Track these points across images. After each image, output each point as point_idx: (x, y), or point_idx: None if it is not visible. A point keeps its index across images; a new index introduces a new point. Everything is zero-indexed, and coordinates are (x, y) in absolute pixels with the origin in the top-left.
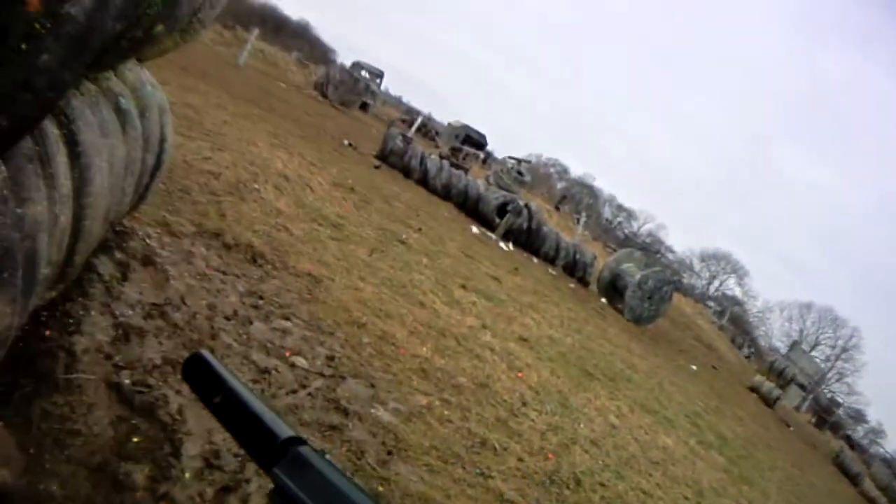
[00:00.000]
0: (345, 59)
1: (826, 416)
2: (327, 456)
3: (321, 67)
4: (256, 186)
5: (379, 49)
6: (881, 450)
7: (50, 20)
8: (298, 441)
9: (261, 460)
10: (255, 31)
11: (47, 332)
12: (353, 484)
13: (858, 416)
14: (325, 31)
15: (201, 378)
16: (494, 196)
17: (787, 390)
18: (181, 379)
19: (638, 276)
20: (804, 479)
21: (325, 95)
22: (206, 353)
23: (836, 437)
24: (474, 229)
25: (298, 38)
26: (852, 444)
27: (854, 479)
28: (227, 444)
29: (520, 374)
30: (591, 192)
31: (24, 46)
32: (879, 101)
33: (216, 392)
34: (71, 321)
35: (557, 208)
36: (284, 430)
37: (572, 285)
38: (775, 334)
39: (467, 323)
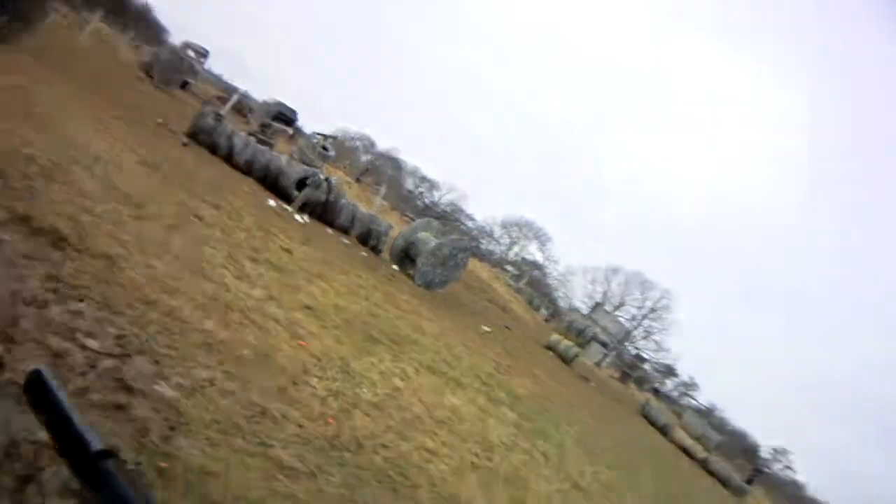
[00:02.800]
0: (177, 39)
1: (630, 371)
2: (135, 468)
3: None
4: (70, 169)
5: (211, 28)
6: (693, 401)
7: None
8: (107, 454)
9: (77, 472)
10: (98, 14)
11: None
12: (153, 497)
13: (669, 371)
14: (164, 13)
15: (36, 394)
16: (295, 171)
17: (588, 347)
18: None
19: (432, 244)
20: (606, 431)
21: (150, 76)
22: (44, 369)
23: (642, 391)
24: (272, 203)
25: (141, 21)
26: (660, 396)
27: (662, 430)
28: (24, 434)
29: (301, 343)
30: (396, 164)
31: None
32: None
33: (45, 407)
34: None
35: (358, 180)
36: (96, 443)
37: (364, 254)
38: (577, 296)
39: (255, 295)
